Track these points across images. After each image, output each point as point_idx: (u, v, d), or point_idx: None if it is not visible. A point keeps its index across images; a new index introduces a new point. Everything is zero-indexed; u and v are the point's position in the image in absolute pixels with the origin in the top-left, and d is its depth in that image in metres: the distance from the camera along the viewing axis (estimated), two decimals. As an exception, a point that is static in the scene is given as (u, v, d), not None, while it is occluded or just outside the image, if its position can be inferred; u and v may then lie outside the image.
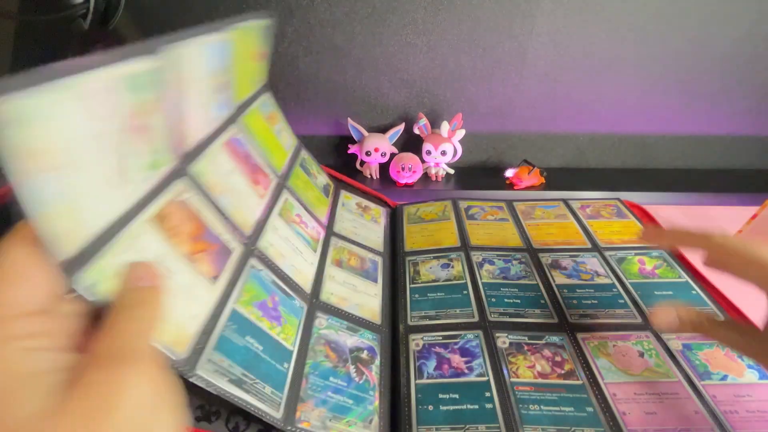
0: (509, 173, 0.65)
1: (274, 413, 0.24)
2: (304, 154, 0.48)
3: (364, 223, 0.50)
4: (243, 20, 0.34)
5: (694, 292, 0.39)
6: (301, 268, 0.35)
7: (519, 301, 0.38)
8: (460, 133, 0.61)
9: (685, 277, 0.40)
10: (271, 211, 0.35)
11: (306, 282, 0.35)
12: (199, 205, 0.27)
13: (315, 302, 0.34)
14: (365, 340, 0.35)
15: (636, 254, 0.44)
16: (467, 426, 0.28)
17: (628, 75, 0.60)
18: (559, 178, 0.67)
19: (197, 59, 0.28)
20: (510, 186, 0.64)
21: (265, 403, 0.24)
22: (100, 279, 0.18)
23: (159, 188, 0.24)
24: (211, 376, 0.22)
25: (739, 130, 0.68)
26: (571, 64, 0.59)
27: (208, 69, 0.30)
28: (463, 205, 0.53)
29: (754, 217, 0.51)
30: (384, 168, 0.65)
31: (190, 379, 0.21)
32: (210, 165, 0.29)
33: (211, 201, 0.28)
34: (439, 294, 0.40)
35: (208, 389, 0.22)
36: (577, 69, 0.59)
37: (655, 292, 0.39)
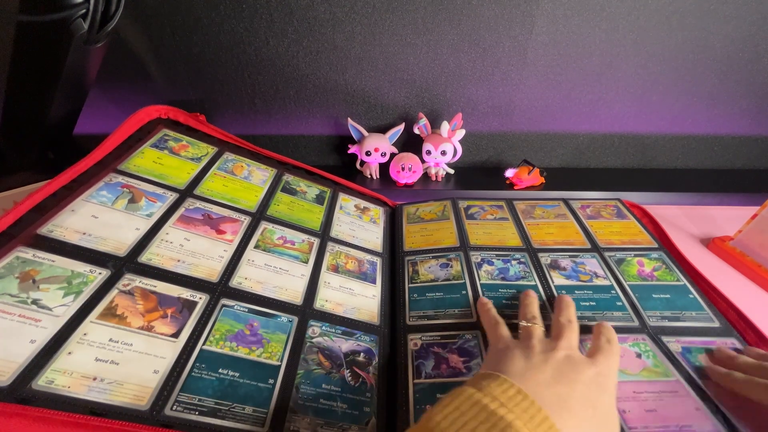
0: (509, 173, 0.65)
1: (257, 429, 0.26)
2: (287, 177, 0.52)
3: (363, 225, 0.50)
4: None
5: (691, 295, 0.39)
6: (288, 285, 0.37)
7: (518, 302, 0.38)
8: (460, 133, 0.61)
9: (683, 281, 0.40)
10: (244, 249, 0.39)
11: (296, 296, 0.37)
12: (151, 283, 0.32)
13: (308, 312, 0.36)
14: (362, 342, 0.35)
15: (635, 255, 0.44)
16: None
17: (628, 75, 0.60)
18: (559, 178, 0.67)
19: None
20: (510, 186, 0.65)
21: (246, 423, 0.26)
22: (56, 376, 0.24)
23: (101, 292, 0.29)
24: (180, 414, 0.25)
25: (739, 130, 0.68)
26: (571, 64, 0.59)
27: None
28: (462, 204, 0.53)
29: (754, 217, 0.51)
30: (384, 168, 0.65)
31: (162, 422, 0.24)
32: (158, 248, 0.35)
33: (165, 274, 0.33)
34: (437, 294, 0.40)
35: (180, 428, 0.24)
36: (577, 69, 0.59)
37: (653, 295, 0.39)
